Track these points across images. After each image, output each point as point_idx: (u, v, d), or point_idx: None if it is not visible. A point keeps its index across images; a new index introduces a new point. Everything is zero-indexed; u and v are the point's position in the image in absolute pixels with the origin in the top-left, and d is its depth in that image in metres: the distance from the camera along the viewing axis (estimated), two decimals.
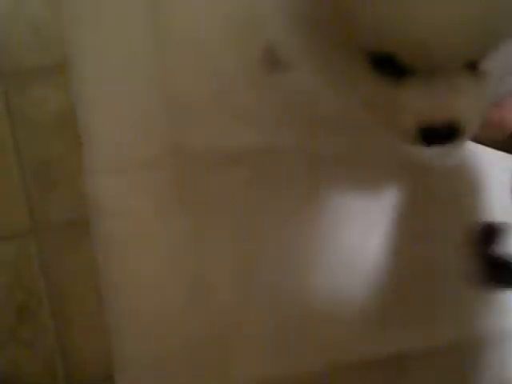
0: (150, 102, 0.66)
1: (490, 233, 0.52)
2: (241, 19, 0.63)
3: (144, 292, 0.66)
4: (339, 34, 0.37)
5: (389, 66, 0.36)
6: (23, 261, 0.65)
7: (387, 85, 0.37)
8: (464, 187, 0.59)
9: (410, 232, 0.60)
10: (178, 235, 0.65)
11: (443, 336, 0.60)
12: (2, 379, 0.68)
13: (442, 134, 0.38)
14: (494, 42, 0.36)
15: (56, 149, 0.66)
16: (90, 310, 0.66)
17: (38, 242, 0.65)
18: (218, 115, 0.66)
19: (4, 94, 0.67)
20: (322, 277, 0.62)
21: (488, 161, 0.58)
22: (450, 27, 0.34)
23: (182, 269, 0.66)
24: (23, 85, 0.67)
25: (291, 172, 0.65)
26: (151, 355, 0.63)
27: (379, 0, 0.33)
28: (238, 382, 0.63)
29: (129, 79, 0.66)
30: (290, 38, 0.42)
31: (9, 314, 0.66)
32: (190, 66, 0.67)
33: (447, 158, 0.45)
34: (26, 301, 0.66)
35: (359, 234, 0.61)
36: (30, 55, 0.67)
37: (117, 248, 0.66)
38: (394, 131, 0.39)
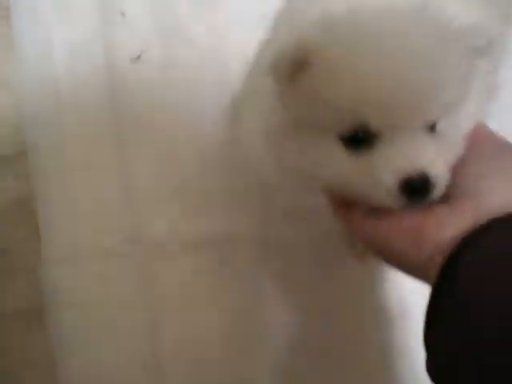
0: (110, 193, 0.67)
1: None
2: None
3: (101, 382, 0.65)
4: (315, 125, 0.42)
5: (358, 140, 0.41)
6: None
7: (360, 157, 0.42)
8: None
9: None
10: (136, 324, 0.65)
11: None
12: None
13: (419, 185, 0.41)
14: (441, 104, 0.41)
15: (15, 236, 0.66)
16: None
17: None
18: (178, 205, 0.67)
19: None
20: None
21: None
22: (401, 91, 0.40)
23: (140, 358, 0.65)
24: None
25: (249, 260, 0.67)
26: None
27: (345, 81, 0.40)
28: None
29: (88, 170, 0.68)
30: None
31: None
32: (150, 156, 0.69)
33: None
34: None
35: None
36: None
37: (75, 338, 0.65)
38: (375, 196, 0.42)
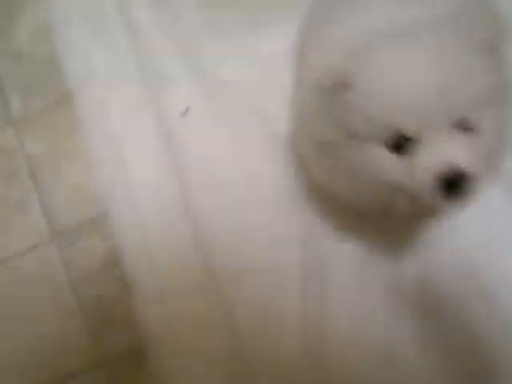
0: (183, 237, 0.75)
1: None
2: None
3: None
4: (361, 136, 0.50)
5: (400, 146, 0.49)
6: None
7: (403, 160, 0.49)
8: None
9: None
10: (222, 349, 0.72)
11: None
12: None
13: (454, 180, 0.47)
14: (464, 100, 0.47)
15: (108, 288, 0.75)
16: None
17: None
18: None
19: (59, 248, 0.77)
20: None
21: None
22: (422, 98, 0.47)
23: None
24: (74, 238, 0.77)
25: None
26: None
27: (379, 100, 0.48)
28: None
29: (161, 225, 0.76)
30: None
31: None
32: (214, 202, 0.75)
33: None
34: None
35: None
36: (73, 213, 0.78)
37: (174, 372, 0.72)
38: (416, 194, 0.49)
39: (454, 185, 0.47)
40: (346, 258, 0.71)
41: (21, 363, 0.73)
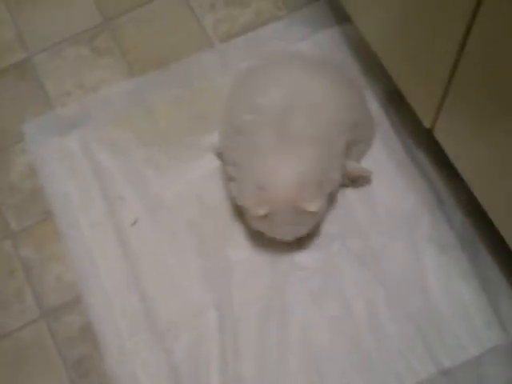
0: (135, 309, 1.08)
1: None
2: None
3: None
4: None
5: None
6: None
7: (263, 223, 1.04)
8: None
9: None
10: None
11: None
12: None
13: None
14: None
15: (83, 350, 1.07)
16: None
17: None
18: None
19: (47, 323, 1.09)
20: None
21: None
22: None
23: None
24: (59, 315, 1.09)
25: None
26: None
27: None
28: None
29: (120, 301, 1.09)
30: None
31: None
32: None
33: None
34: None
35: None
36: (57, 297, 1.10)
37: None
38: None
39: None
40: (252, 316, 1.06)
41: None
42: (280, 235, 1.05)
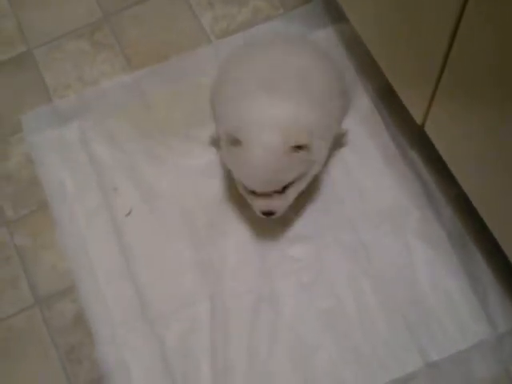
0: (130, 298, 1.09)
1: None
2: None
3: None
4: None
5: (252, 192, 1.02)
6: None
7: (253, 198, 1.04)
8: None
9: None
10: None
11: None
12: None
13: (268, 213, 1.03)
14: (280, 183, 1.01)
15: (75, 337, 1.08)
16: None
17: None
18: None
19: (41, 310, 1.11)
20: None
21: None
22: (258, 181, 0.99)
23: None
24: (52, 303, 1.11)
25: None
26: None
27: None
28: None
29: (114, 290, 1.10)
30: None
31: None
32: None
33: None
34: None
35: None
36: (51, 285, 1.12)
37: None
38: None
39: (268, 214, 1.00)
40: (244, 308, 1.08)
41: None
42: (272, 205, 1.02)
